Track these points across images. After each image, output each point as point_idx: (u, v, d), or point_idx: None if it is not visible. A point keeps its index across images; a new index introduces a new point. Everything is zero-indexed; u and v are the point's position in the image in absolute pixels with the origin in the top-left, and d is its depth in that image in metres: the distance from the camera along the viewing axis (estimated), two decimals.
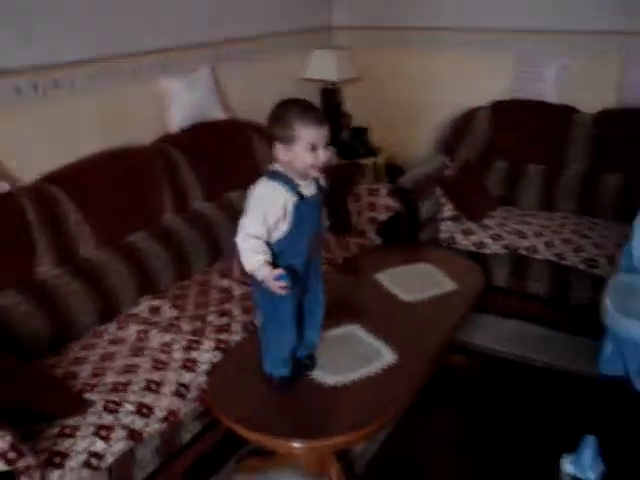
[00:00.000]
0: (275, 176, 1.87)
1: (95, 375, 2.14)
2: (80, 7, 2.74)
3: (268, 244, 1.87)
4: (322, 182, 1.98)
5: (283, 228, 1.87)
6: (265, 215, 1.83)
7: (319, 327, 2.10)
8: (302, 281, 1.96)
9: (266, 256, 1.83)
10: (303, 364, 2.10)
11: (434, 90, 4.16)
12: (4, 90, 2.51)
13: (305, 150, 1.81)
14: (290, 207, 1.85)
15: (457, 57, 4.03)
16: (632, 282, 2.15)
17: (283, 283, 1.81)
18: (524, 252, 3.19)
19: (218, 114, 3.38)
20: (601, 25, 3.56)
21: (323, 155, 1.83)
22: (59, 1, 2.66)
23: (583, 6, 3.59)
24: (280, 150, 1.85)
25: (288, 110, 1.84)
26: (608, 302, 1.99)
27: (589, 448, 2.21)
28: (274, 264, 1.85)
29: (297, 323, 2.01)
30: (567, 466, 2.25)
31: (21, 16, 2.53)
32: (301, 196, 1.87)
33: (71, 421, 1.90)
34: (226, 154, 3.26)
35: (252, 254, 1.83)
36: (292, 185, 1.86)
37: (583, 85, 3.67)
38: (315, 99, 4.29)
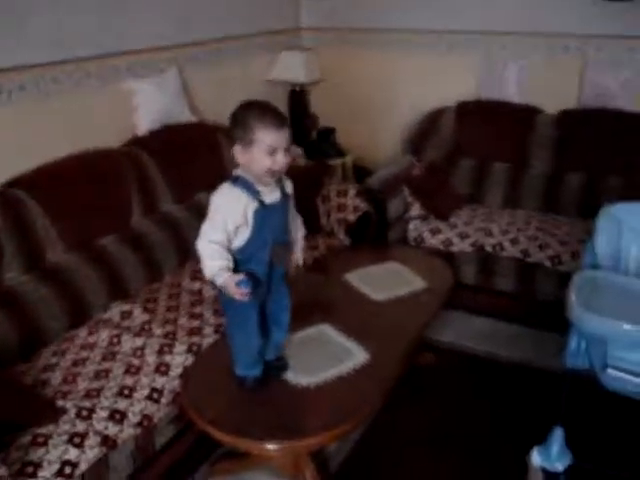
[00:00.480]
0: (236, 182, 1.86)
1: (67, 382, 2.13)
2: (45, 9, 2.71)
3: (229, 251, 1.85)
4: (288, 189, 1.97)
5: (244, 235, 1.86)
6: (225, 221, 1.82)
7: (285, 330, 2.10)
8: (264, 286, 1.95)
9: (226, 262, 1.81)
10: (274, 366, 2.11)
11: (401, 91, 4.21)
12: None
13: (264, 153, 1.79)
14: (250, 214, 1.84)
15: (423, 58, 4.09)
16: (596, 278, 2.21)
17: (244, 289, 1.79)
18: (490, 250, 3.25)
19: (186, 116, 3.37)
20: (562, 27, 3.64)
21: (282, 159, 1.81)
22: (24, 4, 2.62)
23: (544, 8, 3.67)
24: (239, 152, 1.84)
25: (248, 112, 1.82)
26: (573, 298, 2.04)
27: (556, 440, 2.26)
28: (235, 270, 1.83)
29: (262, 326, 2.01)
30: (535, 458, 2.30)
31: None
32: (262, 203, 1.86)
33: (43, 429, 1.89)
34: (194, 156, 3.24)
35: (211, 260, 1.81)
36: (253, 191, 1.84)
37: (545, 86, 3.75)
38: (282, 100, 4.30)
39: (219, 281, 1.80)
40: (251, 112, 1.82)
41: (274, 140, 1.79)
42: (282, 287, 2.03)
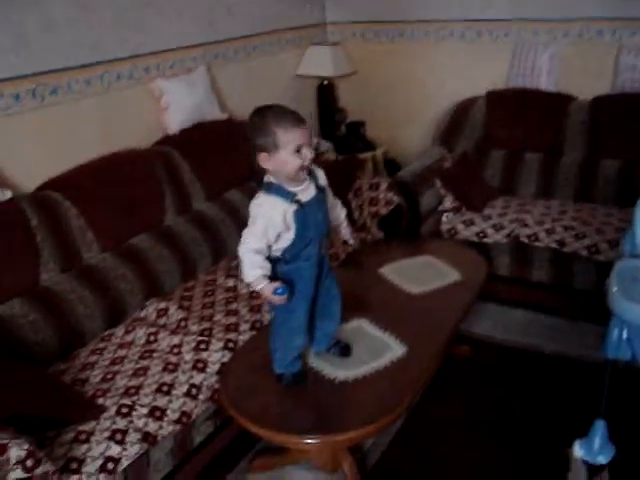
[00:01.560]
0: (270, 189, 1.88)
1: (106, 380, 2.16)
2: (74, 12, 2.73)
3: (269, 258, 1.90)
4: (321, 181, 1.98)
5: (289, 237, 1.88)
6: (265, 230, 1.85)
7: (337, 318, 2.13)
8: (313, 282, 1.98)
9: (264, 271, 1.85)
10: (338, 350, 2.15)
11: (430, 82, 4.17)
12: (3, 98, 2.51)
13: (291, 154, 1.81)
14: (290, 217, 1.86)
15: (452, 48, 4.05)
16: (637, 267, 2.16)
17: (281, 296, 1.86)
18: (526, 240, 3.20)
19: (216, 114, 3.38)
20: (595, 11, 3.57)
21: (309, 154, 1.83)
22: (51, 6, 2.64)
23: None
24: (265, 159, 1.84)
25: (264, 118, 1.82)
26: (614, 287, 2.00)
27: (599, 433, 2.22)
28: (273, 277, 1.89)
29: (310, 322, 2.05)
30: (578, 451, 2.27)
31: (15, 24, 2.52)
32: (300, 203, 1.87)
33: (85, 426, 1.92)
34: (225, 154, 3.26)
35: (250, 269, 1.86)
36: (288, 194, 1.86)
37: (578, 72, 3.68)
38: (311, 94, 4.30)
39: (257, 288, 1.88)
40: (268, 117, 1.82)
41: (298, 138, 1.81)
42: (330, 277, 2.07)
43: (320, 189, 1.95)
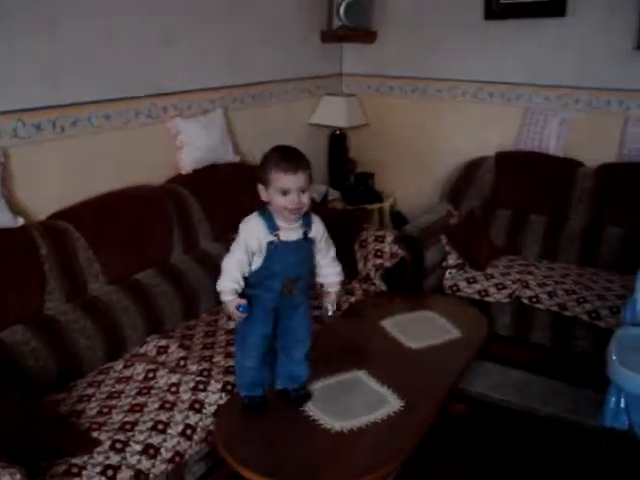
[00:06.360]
0: (262, 213, 2.03)
1: (102, 413, 2.15)
2: (97, 49, 2.81)
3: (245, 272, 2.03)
4: (312, 233, 2.07)
5: (259, 261, 2.02)
6: (246, 244, 2.00)
7: (300, 364, 2.18)
8: (270, 314, 2.09)
9: (236, 285, 2.00)
10: (293, 396, 2.17)
11: (440, 139, 4.24)
12: (25, 127, 2.57)
13: (277, 193, 1.94)
14: (263, 245, 1.99)
15: (464, 107, 4.13)
16: (637, 335, 2.18)
17: (241, 314, 2.00)
18: (527, 302, 3.22)
19: (229, 156, 3.44)
20: (604, 82, 3.67)
21: (294, 199, 1.94)
22: (76, 43, 2.72)
23: (588, 63, 3.70)
24: (261, 190, 2.01)
25: (269, 155, 2.00)
26: (614, 356, 2.02)
27: None
28: (242, 295, 2.02)
29: (267, 357, 2.14)
30: None
31: (40, 56, 2.59)
32: (278, 238, 2.00)
33: (78, 460, 1.90)
34: (235, 196, 3.30)
35: (226, 280, 2.01)
36: (273, 225, 1.99)
37: (586, 139, 3.76)
38: (323, 144, 4.37)
39: (224, 299, 2.02)
40: (271, 155, 1.99)
41: (286, 183, 1.94)
42: (299, 322, 2.14)
43: (307, 238, 2.05)
